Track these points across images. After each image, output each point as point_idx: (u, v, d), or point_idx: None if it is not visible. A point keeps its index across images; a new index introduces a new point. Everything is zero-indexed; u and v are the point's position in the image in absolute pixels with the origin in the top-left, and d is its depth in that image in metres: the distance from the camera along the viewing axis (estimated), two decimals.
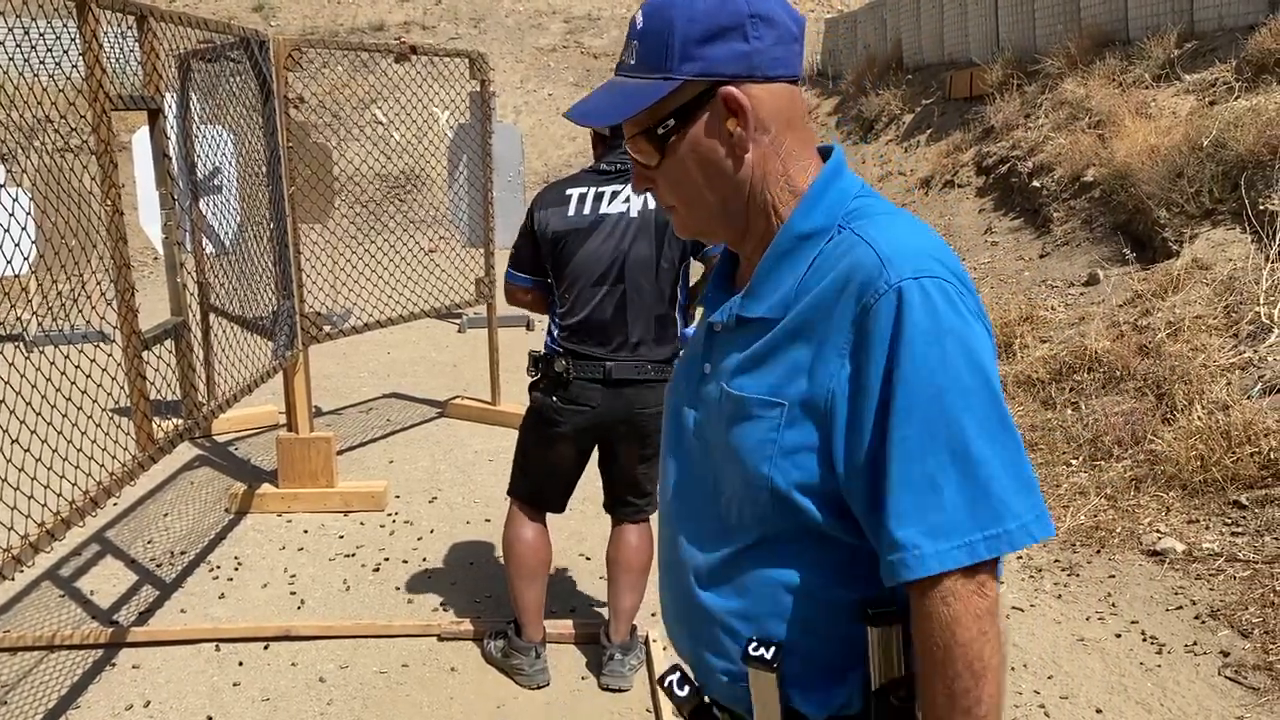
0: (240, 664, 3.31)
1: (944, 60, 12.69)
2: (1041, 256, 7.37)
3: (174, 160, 3.60)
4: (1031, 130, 8.86)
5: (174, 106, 4.55)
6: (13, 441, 2.51)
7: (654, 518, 2.58)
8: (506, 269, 3.13)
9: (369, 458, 5.38)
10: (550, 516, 3.27)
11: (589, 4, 22.00)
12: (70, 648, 3.43)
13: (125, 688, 3.19)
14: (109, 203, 2.94)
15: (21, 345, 8.32)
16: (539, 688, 3.15)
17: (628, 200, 2.91)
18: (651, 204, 2.87)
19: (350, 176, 6.15)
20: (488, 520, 4.47)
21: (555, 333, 3.04)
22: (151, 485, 4.93)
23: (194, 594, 3.84)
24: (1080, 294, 6.47)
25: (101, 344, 3.58)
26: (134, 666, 3.32)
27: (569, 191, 2.97)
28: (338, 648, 3.40)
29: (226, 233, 4.89)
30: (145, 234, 5.62)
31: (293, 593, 3.83)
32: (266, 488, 4.68)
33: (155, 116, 3.29)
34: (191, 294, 3.88)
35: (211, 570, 4.03)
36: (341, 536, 4.34)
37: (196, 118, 4.74)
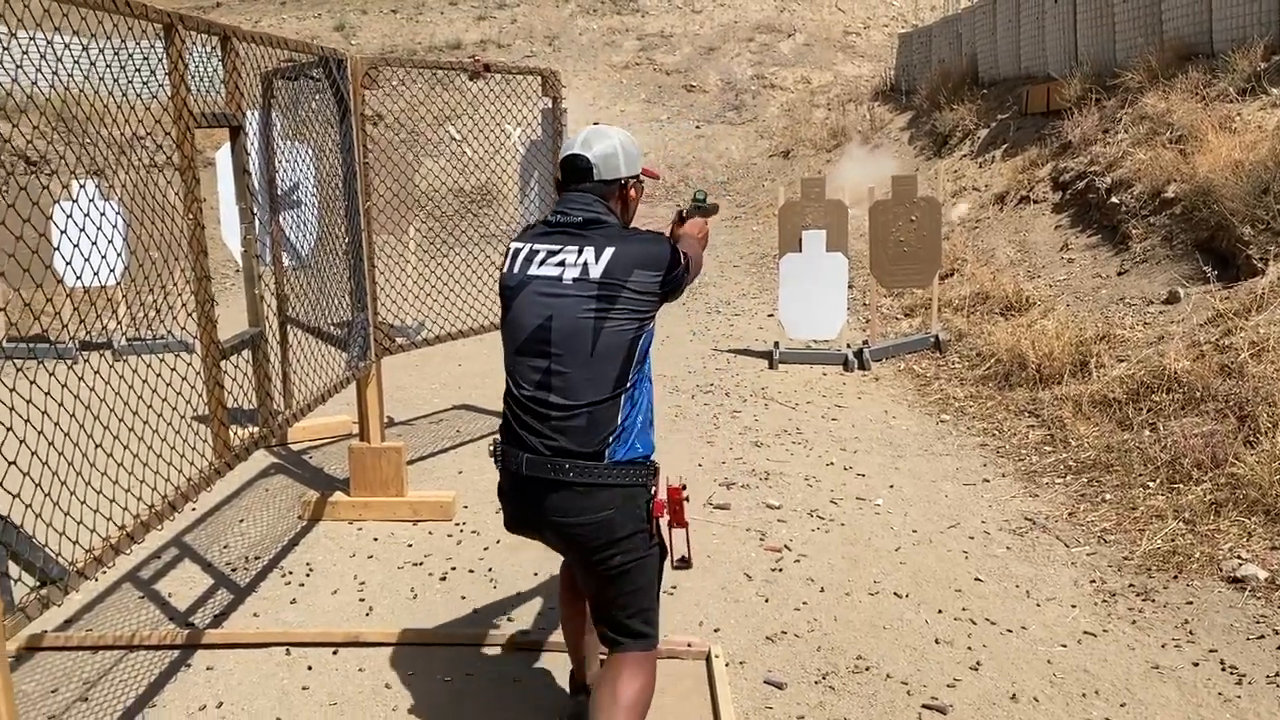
0: (309, 668, 3.38)
1: (1020, 74, 12.49)
2: (1119, 274, 7.20)
3: (254, 176, 3.71)
4: (1110, 145, 8.68)
5: (256, 123, 4.69)
6: (96, 446, 2.60)
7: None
8: None
9: (439, 468, 5.46)
10: None
11: (661, 22, 22.12)
12: (148, 648, 3.53)
13: (199, 688, 3.28)
14: (191, 216, 3.04)
15: (109, 354, 8.61)
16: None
17: (562, 264, 2.42)
18: (597, 269, 2.37)
19: (425, 192, 6.26)
20: None
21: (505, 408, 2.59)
22: (228, 491, 5.07)
23: (267, 598, 3.93)
24: (1159, 312, 6.31)
25: (184, 354, 3.70)
26: (208, 668, 3.41)
27: (513, 245, 2.57)
28: (404, 655, 3.45)
29: (304, 246, 5.02)
30: (227, 247, 5.79)
31: (361, 599, 3.89)
32: (339, 496, 4.78)
33: (236, 134, 3.39)
34: (270, 305, 3.99)
35: (284, 576, 4.13)
36: (410, 545, 4.41)
37: (278, 134, 4.87)
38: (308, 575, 4.12)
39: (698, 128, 19.12)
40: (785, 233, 7.56)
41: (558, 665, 3.35)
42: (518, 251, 2.53)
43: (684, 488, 2.65)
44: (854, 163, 13.53)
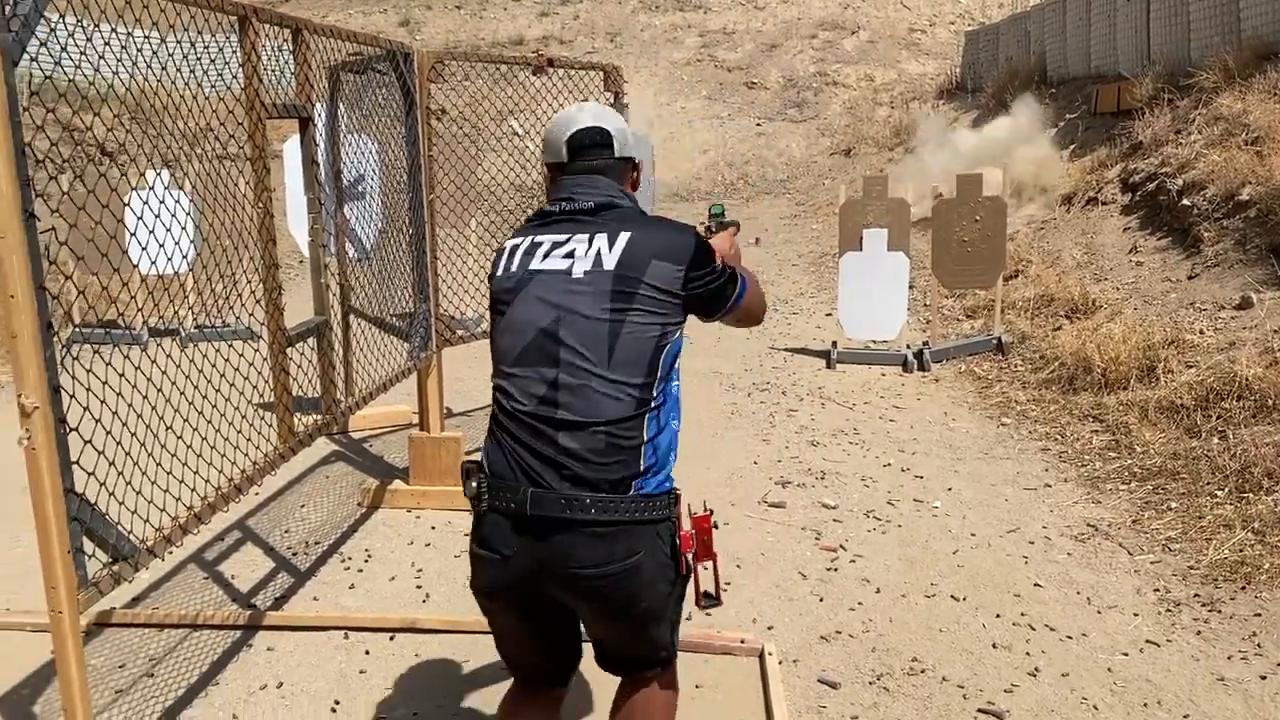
0: (367, 652, 3.43)
1: (1090, 74, 12.25)
2: (1190, 278, 7.04)
3: (321, 167, 3.77)
4: (1183, 146, 8.48)
5: (323, 116, 4.77)
6: (167, 428, 2.67)
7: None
8: None
9: None
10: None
11: (724, 18, 22.06)
12: (211, 627, 3.62)
13: (260, 668, 3.35)
14: (261, 205, 3.10)
15: (178, 340, 8.81)
16: None
17: (571, 255, 2.05)
18: (612, 258, 2.02)
19: (486, 185, 6.31)
20: None
21: (489, 434, 2.13)
22: (291, 477, 5.16)
23: (326, 583, 4.00)
24: (1231, 318, 6.15)
25: (250, 341, 3.77)
26: (269, 649, 3.47)
27: (506, 244, 2.20)
28: (460, 642, 3.49)
29: (368, 237, 5.09)
30: (292, 238, 5.89)
31: (419, 586, 3.95)
32: (398, 484, 4.84)
33: (305, 125, 3.45)
34: (334, 295, 4.06)
35: (343, 561, 4.19)
36: (466, 534, 4.44)
37: (343, 127, 4.95)
38: (366, 561, 4.18)
39: (758, 125, 19.05)
40: (846, 231, 7.50)
41: None
42: (514, 248, 2.14)
43: (711, 514, 2.23)
44: (917, 161, 13.38)
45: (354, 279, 5.17)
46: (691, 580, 2.18)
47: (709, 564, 2.21)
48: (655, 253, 2.05)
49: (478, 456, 2.13)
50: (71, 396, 2.25)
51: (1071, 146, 11.10)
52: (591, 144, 2.17)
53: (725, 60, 21.04)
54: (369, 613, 3.69)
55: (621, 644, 2.18)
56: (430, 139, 4.60)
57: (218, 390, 3.07)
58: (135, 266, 3.14)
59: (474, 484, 2.05)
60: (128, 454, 2.50)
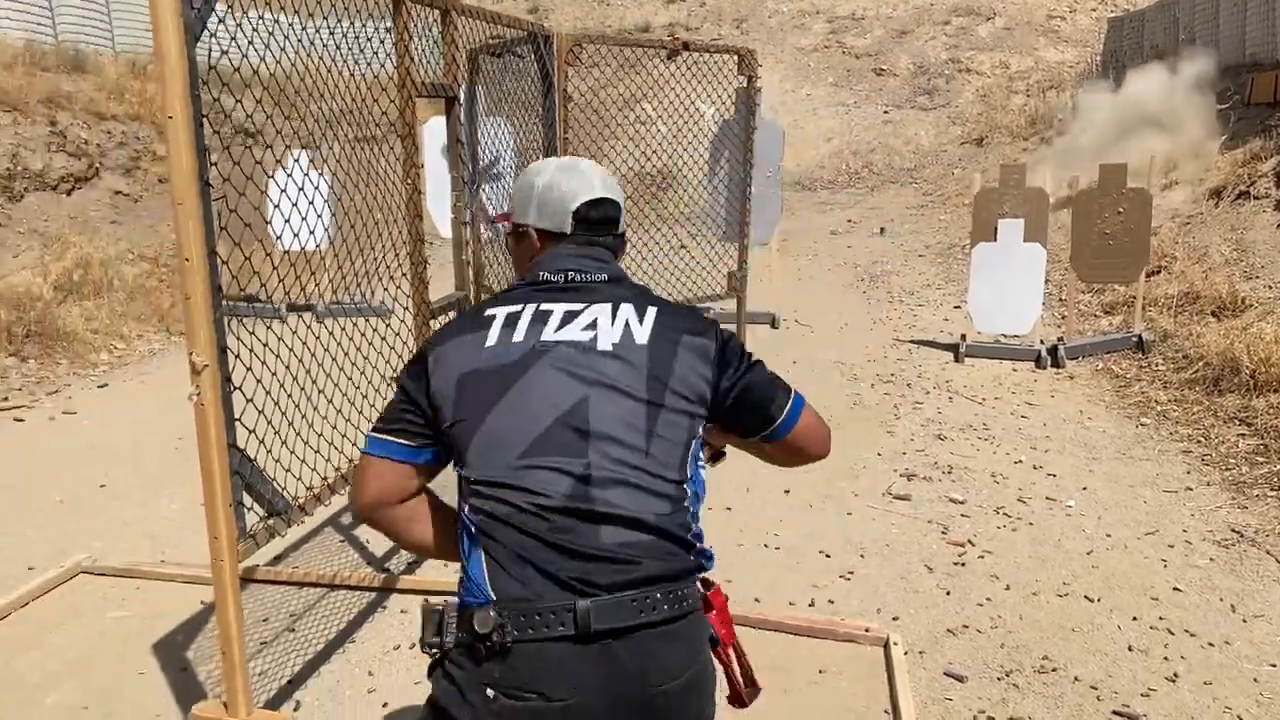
0: None
1: (1245, 61, 11.64)
2: None
3: (465, 146, 3.86)
4: None
5: (463, 97, 4.88)
6: (319, 392, 2.79)
7: None
8: (369, 436, 1.71)
9: None
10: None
11: (853, 4, 21.70)
12: (348, 588, 3.76)
13: (394, 629, 3.47)
14: (410, 182, 3.20)
15: (313, 315, 9.16)
16: None
17: (593, 326, 1.68)
18: (643, 333, 1.68)
19: (617, 171, 6.38)
20: (728, 508, 4.53)
21: (470, 560, 1.60)
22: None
23: None
24: None
25: (382, 317, 3.90)
26: (402, 611, 3.60)
27: (489, 312, 1.72)
28: None
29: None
30: (430, 216, 6.04)
31: None
32: None
33: (451, 104, 3.54)
34: (468, 273, 4.17)
35: None
36: None
37: (481, 110, 5.06)
38: None
39: (885, 112, 18.69)
40: (979, 221, 7.32)
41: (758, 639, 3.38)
42: (511, 315, 1.69)
43: (714, 586, 1.76)
44: (1054, 151, 12.95)
45: (487, 259, 5.29)
46: (727, 671, 1.79)
47: (733, 649, 1.79)
48: (683, 329, 1.73)
49: (440, 601, 1.61)
50: (236, 357, 2.37)
51: (1223, 138, 10.58)
52: (603, 220, 1.82)
53: (853, 46, 20.70)
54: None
55: None
56: (566, 120, 4.66)
57: (354, 364, 3.19)
58: (279, 239, 3.27)
59: (487, 618, 1.50)
60: (283, 415, 2.62)
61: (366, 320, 3.50)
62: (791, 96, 19.21)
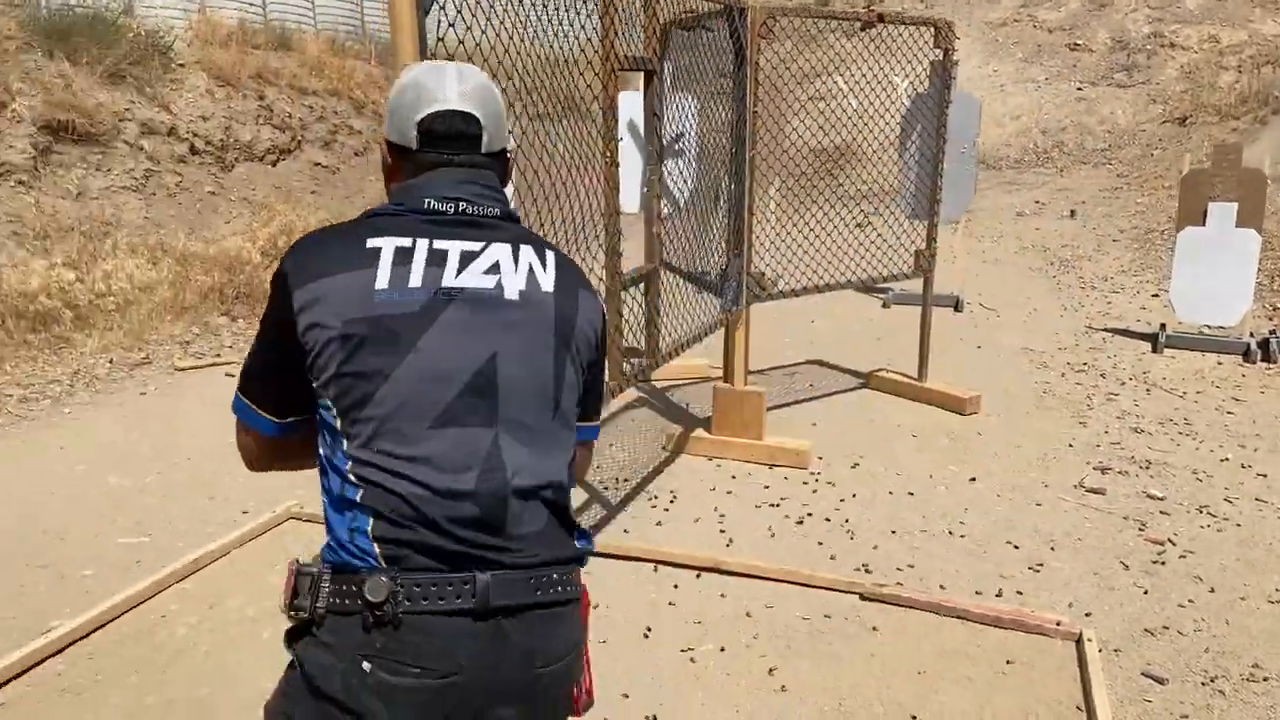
0: (675, 586, 3.58)
1: None
2: None
3: (662, 119, 3.88)
4: None
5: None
6: None
7: None
8: (235, 393, 1.56)
9: (793, 418, 5.53)
10: None
11: None
12: None
13: None
14: (608, 154, 3.25)
15: None
16: None
17: (496, 269, 1.49)
18: (548, 278, 1.53)
19: (794, 145, 6.30)
20: (910, 493, 4.45)
21: (351, 523, 1.43)
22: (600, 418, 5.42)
23: (635, 518, 4.19)
24: None
25: None
26: (586, 572, 3.68)
27: (372, 243, 1.46)
28: (763, 588, 3.55)
29: (682, 194, 5.23)
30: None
31: (722, 531, 4.05)
32: (700, 433, 4.98)
33: (650, 78, 3.58)
34: (659, 247, 4.22)
35: (650, 500, 4.38)
36: (766, 487, 4.52)
37: (669, 84, 5.09)
38: (672, 502, 4.34)
39: (1079, 89, 17.77)
40: (1186, 204, 6.88)
41: (914, 622, 3.33)
42: (402, 251, 1.46)
43: (583, 588, 1.63)
44: (1270, 131, 12.04)
45: (666, 234, 5.34)
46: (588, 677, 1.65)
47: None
48: (581, 282, 1.60)
49: (315, 567, 1.44)
50: None
51: None
52: (454, 135, 1.55)
53: (1045, 20, 19.73)
54: (676, 549, 3.83)
55: None
56: (756, 94, 4.63)
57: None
58: None
59: (379, 585, 1.37)
60: None
61: None
62: (978, 73, 18.49)
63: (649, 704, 2.88)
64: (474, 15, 2.43)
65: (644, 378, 4.42)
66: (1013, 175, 15.75)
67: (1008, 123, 17.44)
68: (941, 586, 3.61)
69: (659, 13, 3.59)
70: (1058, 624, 3.28)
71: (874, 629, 3.30)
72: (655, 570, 3.69)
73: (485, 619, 1.40)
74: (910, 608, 3.43)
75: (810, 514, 4.22)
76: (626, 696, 2.91)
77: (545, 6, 3.36)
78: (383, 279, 1.43)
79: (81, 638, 3.21)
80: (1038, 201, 13.71)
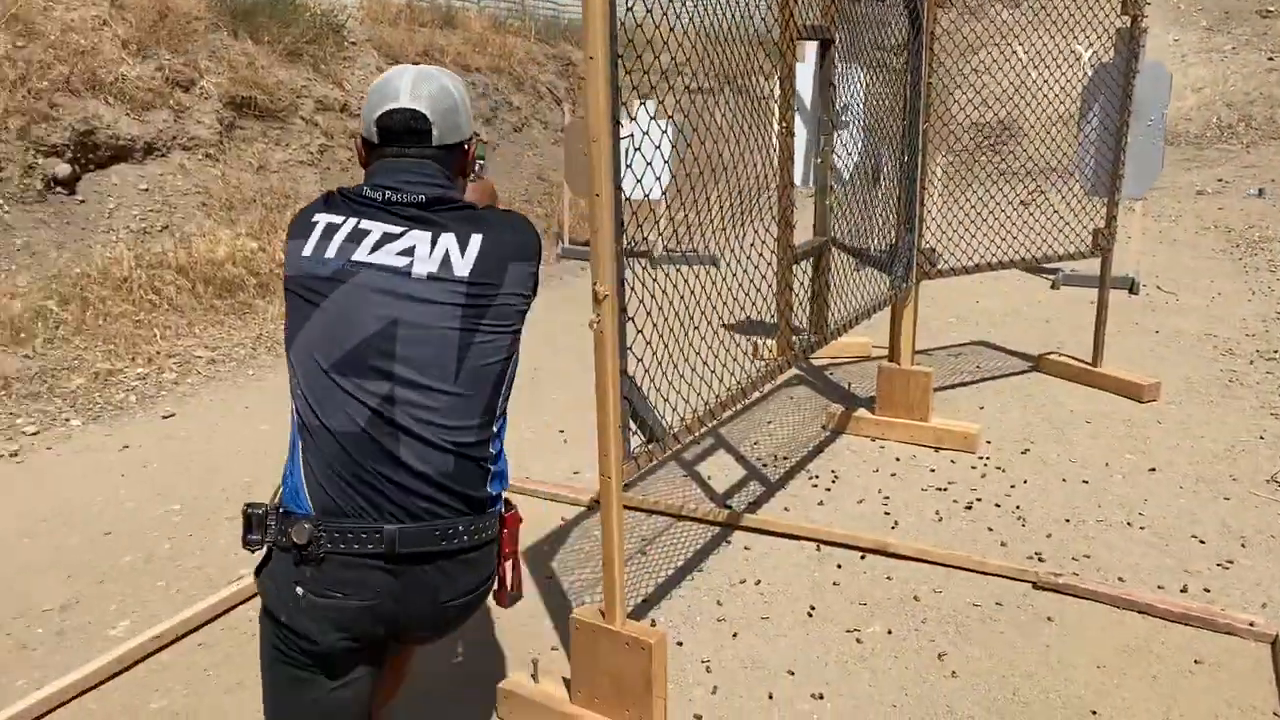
0: (839, 566, 3.53)
1: None
2: None
3: (844, 91, 3.80)
4: None
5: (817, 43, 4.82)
6: (694, 328, 2.88)
7: None
8: None
9: (958, 400, 5.37)
10: None
11: None
12: (694, 520, 3.90)
13: (738, 564, 3.56)
14: (783, 124, 3.21)
15: (648, 263, 9.51)
16: None
17: (409, 253, 1.73)
18: (464, 264, 1.74)
19: (958, 122, 6.09)
20: (1085, 481, 4.26)
21: (291, 464, 1.76)
22: (755, 395, 5.39)
23: (795, 496, 4.15)
24: None
25: (712, 266, 3.91)
26: (745, 548, 3.68)
27: (316, 217, 1.80)
28: (931, 572, 3.47)
29: (846, 167, 5.12)
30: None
31: (886, 513, 3.97)
32: (863, 413, 4.89)
33: (827, 47, 3.51)
34: (831, 219, 4.14)
35: (811, 478, 4.33)
36: (932, 470, 4.41)
37: (837, 55, 4.97)
38: (833, 482, 4.28)
39: (1270, 59, 16.58)
40: None
41: (1092, 614, 3.20)
42: (331, 227, 1.76)
43: (514, 508, 1.95)
44: None
45: (830, 205, 5.23)
46: (497, 579, 1.91)
47: (510, 561, 1.93)
48: (513, 254, 1.80)
49: (264, 500, 1.77)
50: (631, 289, 2.48)
51: None
52: (404, 130, 1.81)
53: None
54: (839, 529, 3.78)
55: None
56: (932, 65, 4.49)
57: (688, 310, 3.25)
58: (618, 189, 3.33)
59: (295, 528, 1.67)
60: (665, 347, 2.73)
61: (693, 270, 3.52)
62: (1157, 43, 17.44)
63: (815, 683, 2.85)
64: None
65: (815, 350, 4.36)
66: (1193, 151, 14.83)
67: (1189, 95, 16.42)
68: (1120, 579, 3.45)
69: None
70: (1251, 624, 3.09)
71: (1049, 619, 3.19)
72: (818, 550, 3.65)
73: (395, 563, 1.69)
74: (1087, 599, 3.29)
75: (979, 499, 4.10)
76: (792, 674, 2.89)
77: None
78: (309, 248, 1.76)
79: None
80: (1220, 180, 12.89)
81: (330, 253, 1.74)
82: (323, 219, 1.78)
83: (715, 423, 3.05)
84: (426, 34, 11.62)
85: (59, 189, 6.91)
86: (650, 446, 2.60)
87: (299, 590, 1.69)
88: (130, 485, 4.28)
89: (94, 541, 3.76)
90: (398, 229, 1.76)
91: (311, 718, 1.77)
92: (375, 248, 1.74)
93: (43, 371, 5.42)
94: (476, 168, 2.16)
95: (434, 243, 1.75)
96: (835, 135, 5.01)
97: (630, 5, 2.34)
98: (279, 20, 9.41)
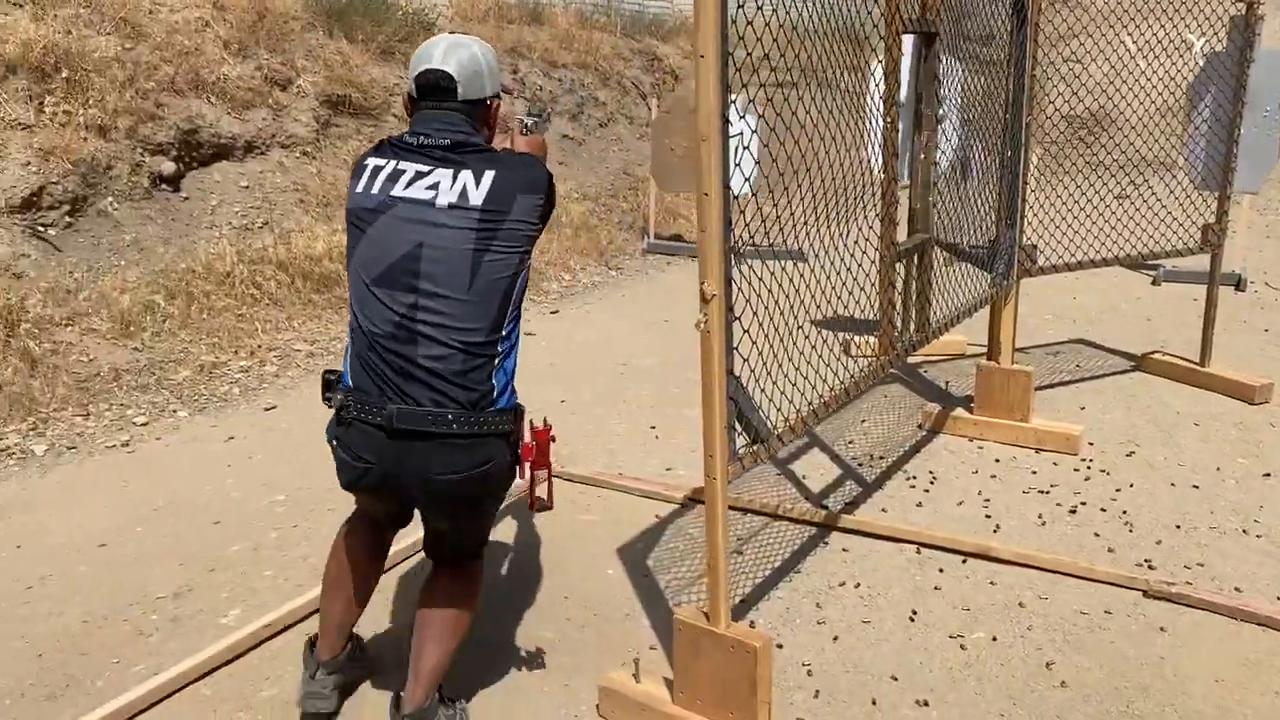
0: (940, 570, 3.47)
1: None
2: None
3: (943, 84, 3.72)
4: None
5: (913, 37, 4.72)
6: (797, 328, 2.85)
7: None
8: None
9: (1057, 400, 5.24)
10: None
11: None
12: (790, 520, 3.87)
13: (837, 566, 3.52)
14: (889, 120, 3.15)
15: (735, 254, 9.45)
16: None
17: (435, 188, 2.20)
18: (478, 194, 2.19)
19: (1046, 115, 5.92)
20: (1195, 486, 4.12)
21: (347, 351, 2.39)
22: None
23: (893, 497, 4.09)
24: None
25: (799, 261, 3.83)
26: (843, 549, 3.64)
27: (368, 160, 2.33)
28: (1036, 578, 3.39)
29: (941, 162, 5.02)
30: (874, 158, 5.96)
31: (987, 516, 3.89)
32: (960, 412, 4.79)
33: (931, 40, 3.44)
34: (933, 215, 4.04)
35: (908, 479, 4.26)
36: (1034, 472, 4.31)
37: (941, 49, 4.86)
38: (931, 483, 4.21)
39: None
40: None
41: (1208, 625, 3.09)
42: (377, 169, 2.28)
43: (550, 428, 2.48)
44: None
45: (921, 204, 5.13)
46: (528, 486, 2.45)
47: (544, 472, 2.45)
48: (521, 188, 2.25)
49: (339, 366, 2.40)
50: (738, 288, 2.46)
51: None
52: (434, 87, 2.30)
53: None
54: (937, 532, 3.71)
55: (457, 535, 2.47)
56: (1036, 57, 4.37)
57: (777, 309, 3.20)
58: (726, 188, 3.28)
59: (337, 396, 2.30)
60: (769, 346, 2.71)
61: (781, 264, 3.46)
62: (1273, 29, 16.78)
63: (919, 689, 2.81)
64: None
65: (917, 348, 4.28)
66: None
67: None
68: (1237, 589, 3.33)
69: None
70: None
71: (1161, 629, 3.09)
72: (918, 553, 3.59)
73: (394, 436, 2.20)
74: (1202, 610, 3.18)
75: (1083, 503, 3.99)
76: (895, 679, 2.85)
77: None
78: (360, 186, 2.29)
79: None
80: None
81: (375, 189, 2.25)
82: (372, 162, 2.30)
83: (818, 422, 3.00)
84: (515, 30, 11.71)
85: (164, 186, 7.13)
86: (755, 448, 2.58)
87: (334, 443, 2.36)
88: (236, 476, 4.41)
89: (204, 531, 3.87)
90: (426, 168, 2.23)
91: (357, 499, 2.54)
92: (409, 184, 2.22)
93: (151, 364, 5.60)
94: (530, 124, 2.79)
95: (455, 178, 2.21)
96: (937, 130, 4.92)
97: (741, 3, 2.32)
98: (372, 19, 9.57)
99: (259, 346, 6.05)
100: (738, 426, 2.50)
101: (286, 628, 3.14)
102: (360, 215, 2.27)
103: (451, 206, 2.19)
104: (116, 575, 3.53)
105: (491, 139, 2.43)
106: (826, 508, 3.97)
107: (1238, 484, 4.15)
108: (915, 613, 3.20)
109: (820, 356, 3.10)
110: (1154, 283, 8.13)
